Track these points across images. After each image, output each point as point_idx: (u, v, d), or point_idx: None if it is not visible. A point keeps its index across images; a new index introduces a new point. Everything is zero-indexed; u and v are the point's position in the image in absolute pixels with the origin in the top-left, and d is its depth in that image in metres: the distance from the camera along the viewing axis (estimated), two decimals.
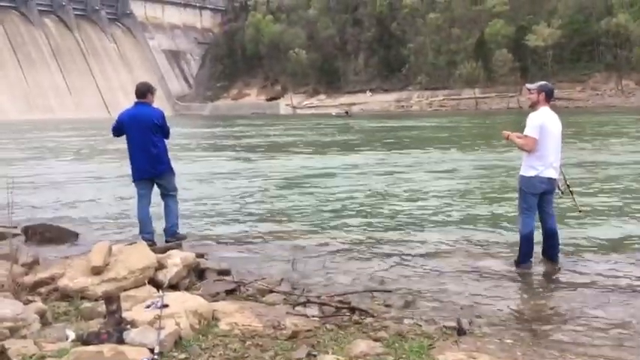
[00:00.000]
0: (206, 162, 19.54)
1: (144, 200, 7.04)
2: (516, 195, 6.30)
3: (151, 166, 6.95)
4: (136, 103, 7.00)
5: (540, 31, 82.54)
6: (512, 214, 8.66)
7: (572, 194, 6.32)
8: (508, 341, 4.10)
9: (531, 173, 5.90)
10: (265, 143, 28.70)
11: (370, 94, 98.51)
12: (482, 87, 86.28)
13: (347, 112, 76.04)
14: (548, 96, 5.96)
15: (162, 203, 7.24)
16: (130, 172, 7.19)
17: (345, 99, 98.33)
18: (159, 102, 7.48)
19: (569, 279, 5.72)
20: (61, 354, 3.30)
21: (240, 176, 15.13)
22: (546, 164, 5.86)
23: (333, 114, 75.11)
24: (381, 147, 24.31)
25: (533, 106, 6.00)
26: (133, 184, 7.18)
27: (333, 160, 18.79)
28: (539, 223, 6.16)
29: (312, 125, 47.71)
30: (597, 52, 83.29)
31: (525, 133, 5.85)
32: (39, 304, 4.31)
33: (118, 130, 7.08)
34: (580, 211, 6.70)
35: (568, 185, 6.27)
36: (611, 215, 8.82)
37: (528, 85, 6.14)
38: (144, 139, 6.88)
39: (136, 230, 7.24)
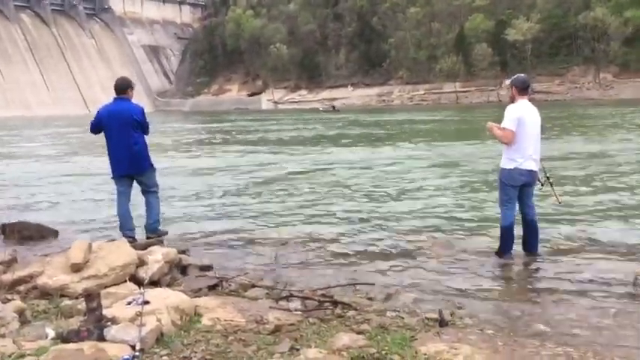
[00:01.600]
0: (188, 158, 19.41)
1: (123, 197, 6.95)
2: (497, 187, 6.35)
3: (130, 162, 6.85)
4: (116, 99, 6.89)
5: (519, 25, 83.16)
6: (494, 206, 8.75)
7: (552, 186, 6.39)
8: (489, 332, 4.14)
9: (511, 165, 5.95)
10: (251, 139, 28.56)
11: (352, 88, 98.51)
12: (462, 81, 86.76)
13: (334, 107, 75.71)
14: (521, 88, 6.00)
15: (143, 200, 7.16)
16: (109, 168, 7.09)
17: (327, 94, 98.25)
18: (138, 98, 7.38)
19: (549, 270, 5.78)
20: (41, 352, 3.26)
21: (223, 173, 15.05)
22: (525, 156, 5.91)
23: (321, 109, 74.74)
24: (366, 141, 24.35)
25: (512, 100, 6.05)
26: (113, 180, 7.07)
27: (317, 156, 18.77)
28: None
29: (302, 120, 47.55)
30: (575, 45, 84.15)
31: (503, 125, 5.91)
32: (17, 303, 4.26)
33: (96, 126, 6.91)
34: (560, 203, 6.80)
35: (548, 177, 6.34)
36: (592, 207, 8.93)
37: (506, 81, 6.21)
38: (124, 135, 6.77)
39: (117, 227, 7.17)
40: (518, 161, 5.91)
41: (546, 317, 4.54)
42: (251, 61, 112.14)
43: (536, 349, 3.68)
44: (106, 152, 6.99)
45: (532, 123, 5.94)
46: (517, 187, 6.01)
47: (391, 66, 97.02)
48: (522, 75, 6.26)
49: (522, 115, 5.87)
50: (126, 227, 6.91)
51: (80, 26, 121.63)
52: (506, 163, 5.99)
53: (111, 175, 7.03)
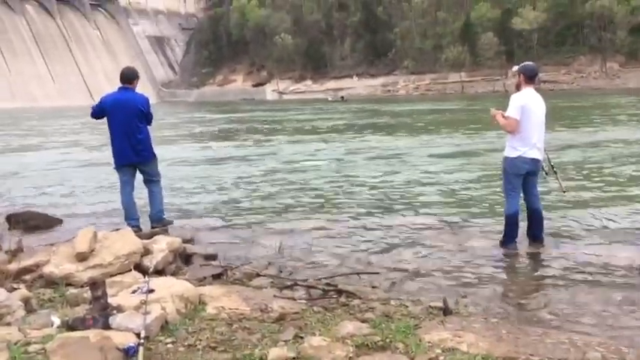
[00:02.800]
0: (194, 149, 19.42)
1: (128, 187, 6.96)
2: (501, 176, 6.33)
3: (134, 152, 6.85)
4: (121, 88, 6.88)
5: (526, 14, 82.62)
6: (498, 195, 8.73)
7: (556, 175, 6.36)
8: (493, 320, 4.14)
9: (514, 154, 5.92)
10: (259, 129, 28.54)
11: (357, 78, 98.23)
12: (468, 71, 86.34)
13: (343, 98, 75.64)
14: (529, 76, 5.96)
15: (147, 189, 7.17)
16: (112, 158, 7.09)
17: (332, 84, 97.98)
18: (143, 89, 7.38)
19: (553, 259, 5.77)
20: (46, 340, 3.27)
21: (230, 163, 15.06)
22: (529, 145, 5.88)
23: (329, 99, 74.70)
24: (373, 131, 24.29)
25: (518, 88, 6.01)
26: (115, 170, 7.05)
27: (325, 146, 18.74)
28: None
29: (310, 110, 47.42)
30: (582, 34, 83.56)
31: (507, 114, 5.87)
32: (23, 291, 4.28)
33: (99, 112, 6.87)
34: (564, 192, 6.77)
35: (552, 166, 6.31)
36: (596, 196, 8.90)
37: (514, 68, 6.17)
38: (128, 125, 6.76)
39: (121, 216, 7.19)
40: (522, 150, 5.88)
41: (550, 305, 4.54)
42: (256, 52, 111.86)
43: (540, 337, 3.68)
44: (110, 142, 6.99)
45: (537, 112, 5.89)
46: (521, 176, 5.99)
47: (396, 56, 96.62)
48: (531, 63, 6.20)
49: (527, 103, 5.83)
50: (131, 217, 6.93)
51: (85, 17, 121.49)
52: (510, 152, 5.96)
53: (114, 165, 7.02)
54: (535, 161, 5.97)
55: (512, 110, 5.82)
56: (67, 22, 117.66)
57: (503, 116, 5.97)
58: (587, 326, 4.10)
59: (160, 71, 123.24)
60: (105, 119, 6.94)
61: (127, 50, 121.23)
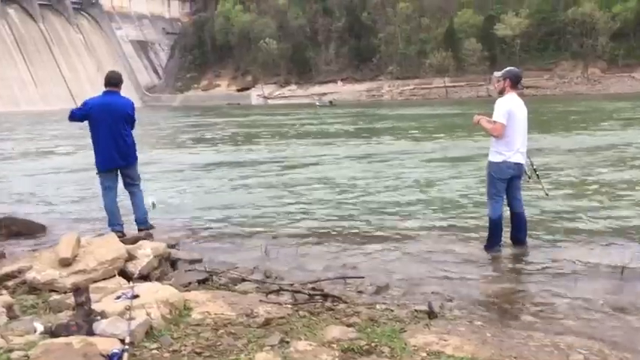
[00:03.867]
0: (178, 153, 19.34)
1: (112, 192, 6.90)
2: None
3: (120, 156, 6.82)
4: (107, 92, 6.82)
5: (508, 20, 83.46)
6: (481, 199, 8.80)
7: (539, 178, 6.44)
8: (478, 323, 4.17)
9: (499, 159, 5.98)
10: (244, 134, 28.48)
11: (341, 83, 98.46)
12: (452, 76, 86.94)
13: (331, 102, 75.86)
14: (514, 82, 6.03)
15: (128, 194, 7.11)
16: (93, 163, 7.00)
17: (317, 89, 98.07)
18: (127, 93, 7.32)
19: (536, 262, 5.83)
20: (29, 346, 3.23)
21: (213, 167, 15.02)
22: (513, 149, 5.94)
23: (318, 104, 74.86)
24: (359, 136, 24.36)
25: (502, 93, 6.07)
26: (98, 175, 6.96)
27: (312, 150, 18.76)
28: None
29: (298, 115, 47.42)
30: (564, 40, 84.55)
31: (494, 118, 5.92)
32: (6, 298, 4.23)
33: (81, 116, 6.76)
34: (547, 195, 6.85)
35: (535, 170, 6.38)
36: (579, 200, 9.00)
37: (496, 74, 6.21)
38: (115, 128, 6.73)
39: (104, 222, 7.13)
40: (507, 154, 5.94)
41: (534, 308, 4.58)
42: (240, 56, 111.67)
43: (524, 340, 3.72)
44: (93, 146, 6.89)
45: (521, 117, 5.97)
46: (505, 181, 6.05)
47: (381, 61, 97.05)
48: (516, 68, 6.29)
49: (512, 108, 5.89)
50: (115, 222, 6.89)
51: (68, 21, 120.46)
52: (495, 157, 6.02)
53: (98, 170, 6.93)
54: (519, 165, 6.04)
55: (499, 115, 5.86)
56: (50, 26, 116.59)
57: (488, 121, 6.01)
58: (571, 328, 4.14)
59: (143, 76, 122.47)
60: (80, 124, 6.86)
61: (110, 54, 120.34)
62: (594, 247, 6.28)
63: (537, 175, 6.42)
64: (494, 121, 5.90)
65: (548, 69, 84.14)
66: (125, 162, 6.87)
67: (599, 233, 6.85)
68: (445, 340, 3.60)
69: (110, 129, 6.71)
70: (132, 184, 7.03)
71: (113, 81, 6.85)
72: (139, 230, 6.85)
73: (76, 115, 6.84)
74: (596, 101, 49.46)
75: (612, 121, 26.92)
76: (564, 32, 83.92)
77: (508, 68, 6.21)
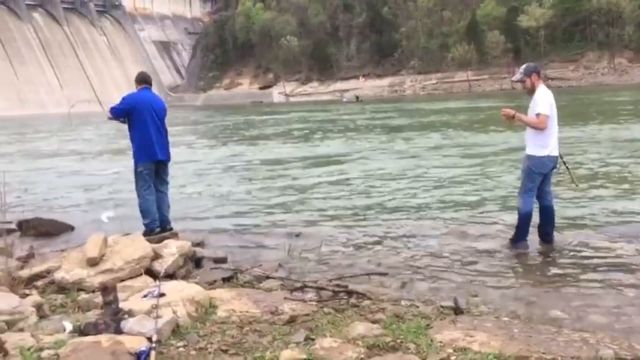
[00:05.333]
0: (205, 152, 19.47)
1: (151, 188, 6.89)
2: (516, 175, 6.26)
3: (164, 149, 6.96)
4: (143, 89, 6.93)
5: (532, 11, 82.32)
6: (508, 194, 8.70)
7: (568, 170, 6.31)
8: (505, 319, 4.12)
9: (542, 153, 5.82)
10: (270, 133, 28.56)
11: (363, 79, 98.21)
12: (475, 69, 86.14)
13: (358, 98, 75.77)
14: (539, 74, 5.94)
15: (157, 196, 7.12)
16: (134, 156, 6.92)
17: (338, 85, 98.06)
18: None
19: (564, 256, 5.74)
20: (59, 345, 3.29)
21: (239, 166, 15.09)
22: (553, 142, 5.83)
23: (344, 100, 74.98)
24: (383, 132, 24.25)
25: (533, 89, 5.91)
26: (139, 168, 6.84)
27: (334, 148, 18.73)
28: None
29: (326, 111, 47.40)
30: (589, 30, 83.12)
31: (539, 111, 5.72)
32: (35, 297, 4.31)
33: (125, 111, 6.80)
34: (577, 186, 6.71)
35: (564, 161, 6.26)
36: (608, 193, 8.83)
37: (516, 78, 6.01)
38: (159, 122, 6.91)
39: (131, 221, 7.20)
40: (549, 147, 5.81)
41: (562, 303, 4.52)
42: (262, 54, 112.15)
43: (552, 335, 3.66)
44: (134, 141, 6.84)
45: (555, 108, 5.87)
46: (543, 174, 5.93)
47: (403, 56, 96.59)
48: (531, 63, 6.20)
49: (552, 100, 5.81)
50: (156, 218, 6.87)
51: (92, 24, 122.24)
52: (537, 150, 5.85)
53: (141, 162, 6.81)
54: (557, 158, 5.94)
55: (545, 107, 5.72)
56: (74, 29, 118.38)
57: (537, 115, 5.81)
58: (600, 323, 4.07)
59: (166, 76, 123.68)
60: (116, 123, 6.94)
61: (133, 55, 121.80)
62: (623, 242, 6.15)
63: (567, 166, 6.29)
64: (539, 114, 5.76)
65: (574, 60, 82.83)
66: (165, 156, 6.99)
67: (628, 227, 6.71)
68: (472, 336, 3.57)
69: (154, 122, 6.85)
70: (164, 182, 7.08)
71: (146, 79, 7.05)
72: (164, 230, 6.89)
73: (118, 111, 6.85)
74: (623, 92, 48.47)
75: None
76: (590, 22, 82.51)
77: (525, 65, 6.06)
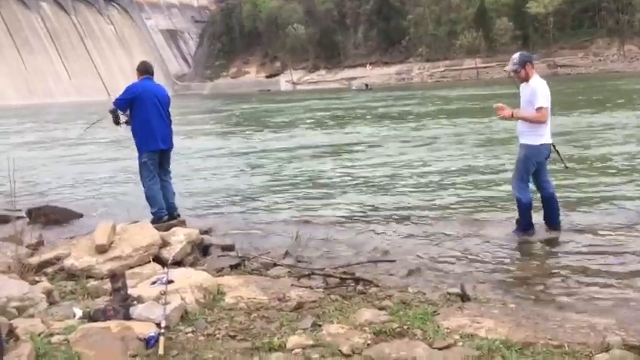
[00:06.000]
0: (211, 140, 19.52)
1: (156, 177, 6.92)
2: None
3: (168, 138, 6.98)
4: (146, 79, 6.94)
5: None
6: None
7: (557, 152, 6.25)
8: (511, 305, 4.13)
9: (539, 141, 5.82)
10: (279, 121, 28.55)
11: (370, 67, 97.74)
12: (483, 57, 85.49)
13: (367, 86, 75.52)
14: (533, 64, 5.91)
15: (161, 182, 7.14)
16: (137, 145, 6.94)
17: (346, 73, 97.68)
18: (158, 82, 7.40)
19: (570, 243, 5.72)
20: (69, 331, 3.33)
21: (245, 153, 15.12)
22: (548, 130, 5.86)
23: (354, 88, 74.76)
24: (392, 119, 24.17)
25: (526, 79, 5.86)
26: (144, 158, 6.86)
27: (338, 135, 18.71)
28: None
29: (335, 99, 47.28)
30: (599, 17, 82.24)
31: (540, 104, 5.67)
32: (45, 284, 4.36)
33: (129, 100, 6.81)
34: (566, 167, 6.62)
35: (553, 144, 6.18)
36: (612, 182, 8.78)
37: (510, 68, 5.91)
38: (163, 112, 6.93)
39: (140, 209, 7.24)
40: (545, 136, 5.83)
41: (569, 290, 4.51)
42: (269, 43, 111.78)
43: (559, 322, 3.67)
44: (137, 130, 6.84)
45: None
46: (538, 163, 5.93)
47: (410, 43, 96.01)
48: (524, 52, 6.13)
49: (548, 90, 5.78)
50: (162, 206, 6.89)
51: (99, 12, 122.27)
52: (534, 140, 5.83)
53: (146, 151, 6.82)
54: (550, 146, 5.93)
55: (545, 100, 5.69)
56: (82, 18, 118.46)
57: (538, 109, 5.77)
58: (607, 310, 4.06)
59: (173, 65, 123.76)
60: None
61: (141, 44, 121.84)
62: (629, 229, 6.12)
63: (556, 149, 6.24)
64: (540, 107, 5.71)
65: (583, 47, 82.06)
66: (167, 145, 7.00)
67: (632, 214, 6.68)
68: (478, 323, 3.58)
69: (159, 112, 6.87)
70: (166, 171, 7.11)
71: (151, 69, 7.07)
72: (171, 218, 6.92)
73: (122, 102, 6.86)
74: (634, 78, 48.02)
75: None
76: (599, 8, 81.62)
77: (519, 55, 5.94)
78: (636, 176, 8.99)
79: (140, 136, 6.86)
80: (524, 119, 5.85)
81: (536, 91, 5.72)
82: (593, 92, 34.68)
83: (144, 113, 6.79)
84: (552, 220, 6.12)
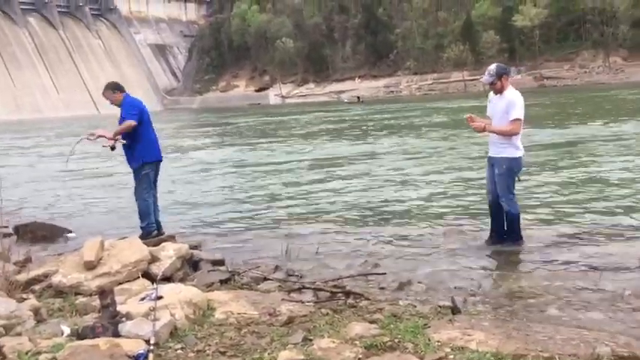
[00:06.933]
0: (199, 153, 19.46)
1: (151, 191, 6.97)
2: None
3: (160, 150, 7.13)
4: (128, 95, 7.01)
5: (527, 10, 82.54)
6: None
7: None
8: (502, 318, 4.14)
9: (519, 154, 5.92)
10: (267, 133, 28.58)
11: (359, 80, 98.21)
12: (470, 69, 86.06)
13: (359, 99, 75.86)
14: (509, 74, 5.98)
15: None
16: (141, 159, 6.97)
17: (334, 87, 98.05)
18: (147, 97, 7.43)
19: (559, 256, 5.74)
20: (57, 349, 3.29)
21: (233, 166, 15.10)
22: (521, 142, 5.95)
23: (345, 101, 75.08)
24: (376, 134, 24.27)
25: (501, 91, 5.87)
26: (147, 168, 6.86)
27: (332, 149, 18.74)
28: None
29: (326, 113, 47.39)
30: (584, 29, 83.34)
31: (516, 116, 5.71)
32: (33, 302, 4.30)
33: (141, 116, 6.91)
34: (519, 180, 6.58)
35: None
36: (596, 194, 8.86)
37: (486, 80, 5.91)
38: (152, 125, 7.09)
39: (128, 224, 7.19)
40: (521, 148, 5.96)
41: (559, 302, 4.53)
42: (257, 57, 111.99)
43: (549, 334, 3.67)
44: (136, 143, 6.86)
45: None
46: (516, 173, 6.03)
47: (398, 57, 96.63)
48: (500, 64, 6.15)
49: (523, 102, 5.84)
50: (152, 220, 6.89)
51: (87, 27, 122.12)
52: (515, 152, 5.89)
53: (146, 162, 6.86)
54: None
55: (521, 111, 5.75)
56: (70, 33, 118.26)
57: (513, 121, 5.81)
58: (597, 322, 4.08)
59: (162, 79, 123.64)
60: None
61: (129, 59, 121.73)
62: (616, 242, 6.17)
63: None
64: (516, 119, 5.73)
65: (569, 59, 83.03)
66: (161, 157, 7.15)
67: (618, 225, 6.73)
68: (469, 335, 3.58)
69: (151, 125, 7.07)
70: (155, 186, 7.11)
71: (122, 87, 7.10)
72: (160, 233, 6.89)
73: (136, 116, 6.83)
74: (618, 90, 48.60)
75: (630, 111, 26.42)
76: (584, 21, 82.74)
77: (496, 67, 5.92)
78: (627, 189, 9.06)
79: (142, 148, 6.89)
80: (498, 132, 5.85)
81: (515, 102, 5.75)
82: (581, 104, 35.05)
83: (145, 129, 6.91)
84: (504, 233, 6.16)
